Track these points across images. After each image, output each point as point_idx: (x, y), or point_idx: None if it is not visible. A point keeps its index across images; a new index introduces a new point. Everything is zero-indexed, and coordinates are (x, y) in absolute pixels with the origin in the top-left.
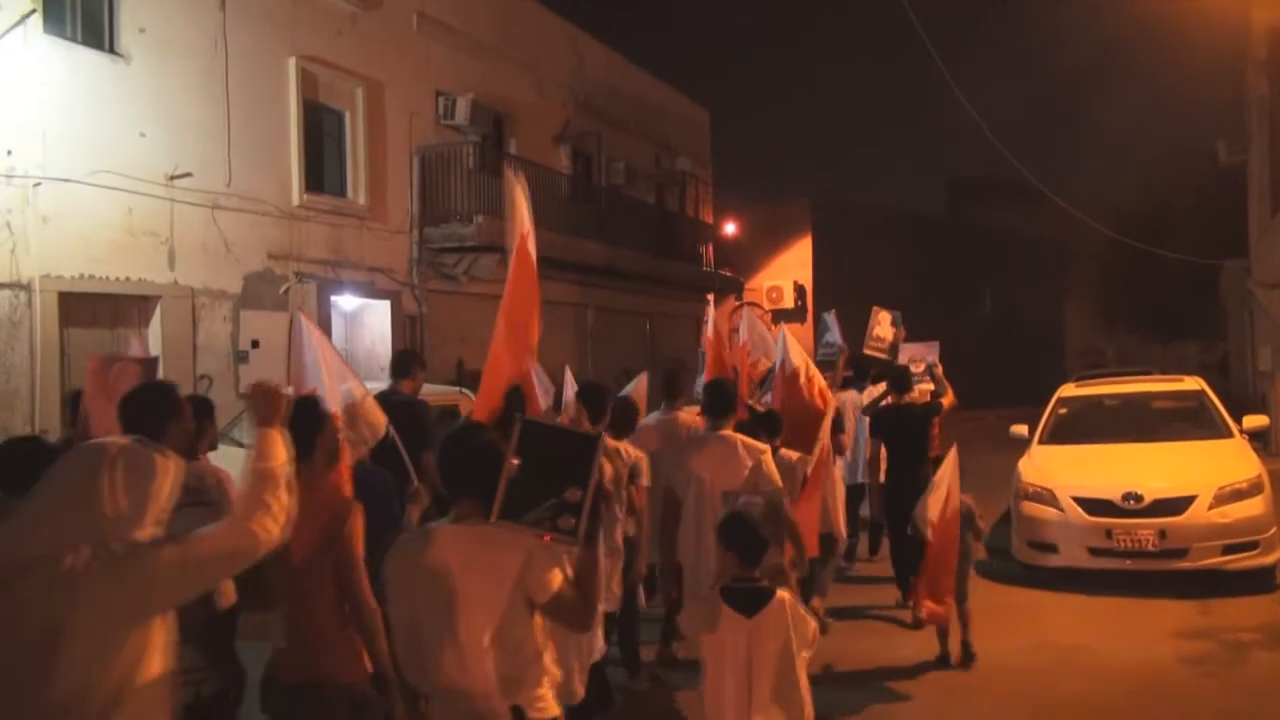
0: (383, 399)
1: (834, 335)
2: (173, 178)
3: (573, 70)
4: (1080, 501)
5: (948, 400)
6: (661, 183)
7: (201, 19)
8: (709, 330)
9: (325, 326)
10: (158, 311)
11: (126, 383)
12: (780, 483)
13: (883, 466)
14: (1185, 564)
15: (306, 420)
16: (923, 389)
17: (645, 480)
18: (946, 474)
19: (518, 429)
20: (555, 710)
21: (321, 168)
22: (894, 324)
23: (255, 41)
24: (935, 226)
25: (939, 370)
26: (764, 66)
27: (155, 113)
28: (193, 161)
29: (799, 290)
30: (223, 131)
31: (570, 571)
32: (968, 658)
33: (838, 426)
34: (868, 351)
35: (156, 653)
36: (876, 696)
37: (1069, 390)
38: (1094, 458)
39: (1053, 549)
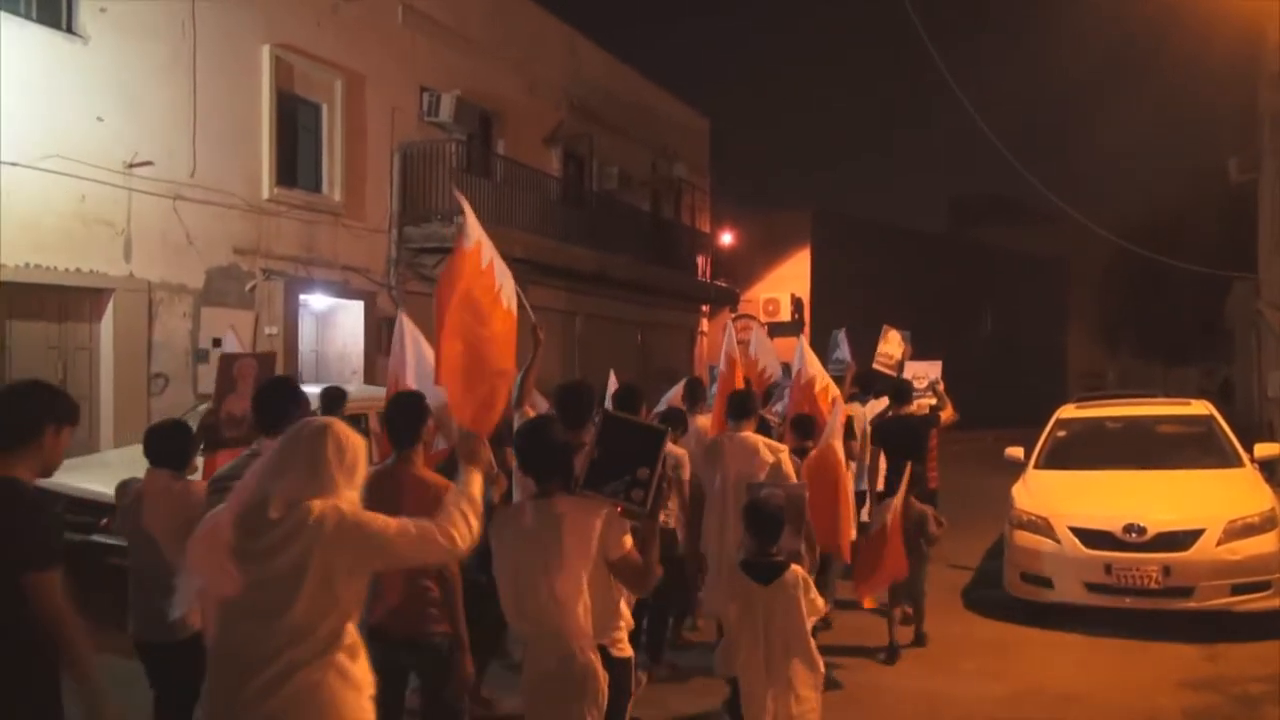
0: None
1: (843, 352)
2: (131, 165)
3: (567, 71)
4: (1078, 532)
5: (946, 414)
6: (657, 189)
7: (169, 1)
8: (728, 349)
9: (292, 326)
10: (110, 305)
11: (246, 375)
12: (795, 478)
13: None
14: (1191, 604)
15: (412, 413)
16: (922, 404)
17: (686, 473)
18: (904, 484)
19: (601, 420)
20: (630, 651)
21: (295, 161)
22: (903, 342)
23: (227, 27)
24: (936, 244)
25: (941, 386)
26: (767, 77)
27: (114, 97)
28: (154, 149)
29: (796, 303)
30: (188, 119)
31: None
32: (919, 640)
33: (848, 434)
34: (876, 367)
35: (359, 606)
36: None
37: (1068, 411)
38: (1094, 485)
39: (1047, 583)
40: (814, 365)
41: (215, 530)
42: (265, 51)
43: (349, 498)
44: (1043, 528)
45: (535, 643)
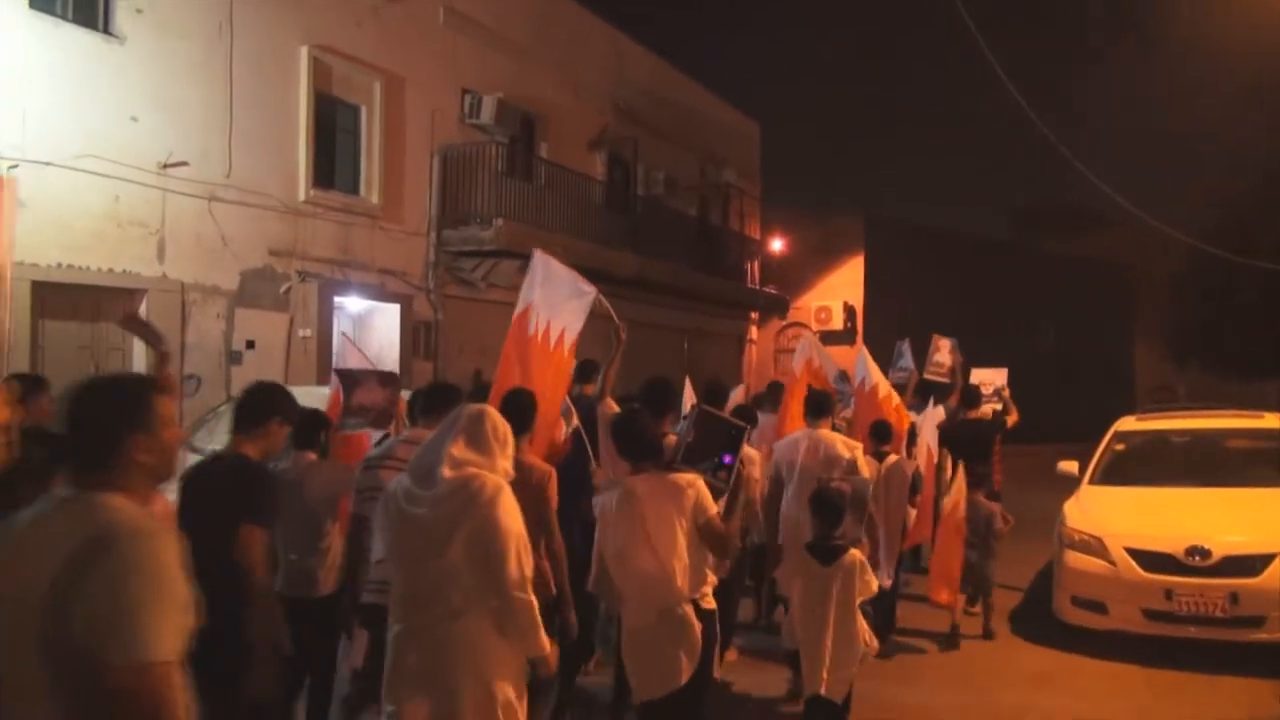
0: (573, 399)
1: (907, 361)
2: (166, 166)
3: (613, 75)
4: (1135, 554)
5: (1012, 419)
6: (705, 195)
7: (206, 2)
8: (799, 361)
9: (326, 328)
10: (143, 306)
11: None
12: (866, 473)
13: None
14: (1261, 635)
15: (523, 408)
16: (988, 409)
17: (756, 471)
18: (958, 483)
19: (697, 414)
20: (713, 603)
21: (333, 163)
22: (952, 350)
23: (265, 28)
24: (994, 251)
25: (1006, 393)
26: (819, 80)
27: (150, 98)
28: (190, 150)
29: (849, 311)
30: (224, 120)
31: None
32: (988, 636)
33: (910, 441)
34: (928, 376)
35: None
36: None
37: (1128, 424)
38: (1153, 503)
39: (1101, 608)
40: (877, 373)
41: (395, 489)
42: (304, 53)
43: (504, 467)
44: (1096, 548)
45: (637, 597)
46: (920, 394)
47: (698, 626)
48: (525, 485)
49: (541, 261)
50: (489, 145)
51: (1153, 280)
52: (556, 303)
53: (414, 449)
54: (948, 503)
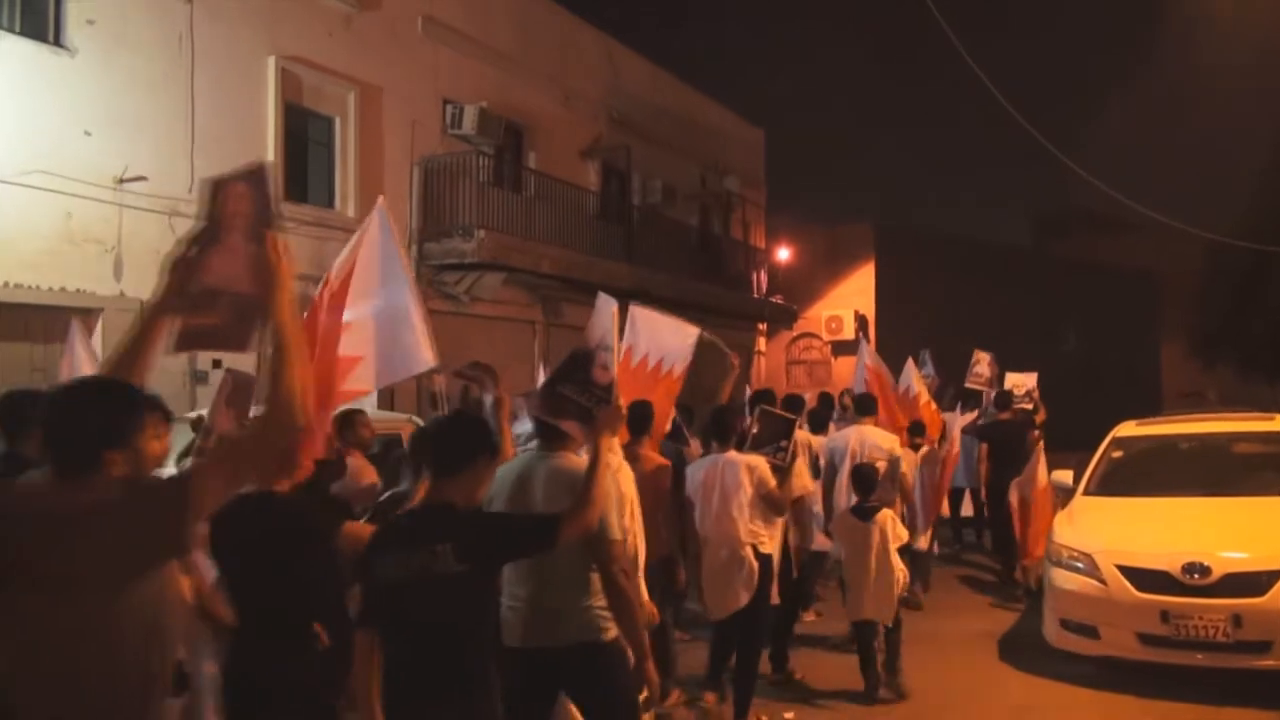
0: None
1: (929, 369)
2: (122, 181)
3: (606, 82)
4: (1128, 572)
5: (1040, 417)
6: (706, 204)
7: (163, 14)
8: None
9: None
10: (99, 325)
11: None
12: (899, 455)
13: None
14: (1267, 662)
15: (643, 415)
16: (1019, 408)
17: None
18: (1037, 464)
19: (760, 412)
20: (770, 548)
21: (305, 176)
22: (991, 363)
23: (228, 39)
24: (1012, 257)
25: (1036, 394)
26: (828, 85)
27: (104, 111)
28: (148, 165)
29: (860, 321)
30: (185, 134)
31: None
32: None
33: (941, 439)
34: (969, 385)
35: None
36: None
37: (1127, 429)
38: (1150, 515)
39: (1091, 632)
40: (919, 382)
41: None
42: (271, 63)
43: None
44: (1086, 566)
45: (713, 542)
46: (963, 400)
47: (755, 565)
48: (643, 474)
49: (643, 316)
50: (472, 156)
51: (1177, 282)
52: (662, 342)
53: None
54: (1033, 477)
